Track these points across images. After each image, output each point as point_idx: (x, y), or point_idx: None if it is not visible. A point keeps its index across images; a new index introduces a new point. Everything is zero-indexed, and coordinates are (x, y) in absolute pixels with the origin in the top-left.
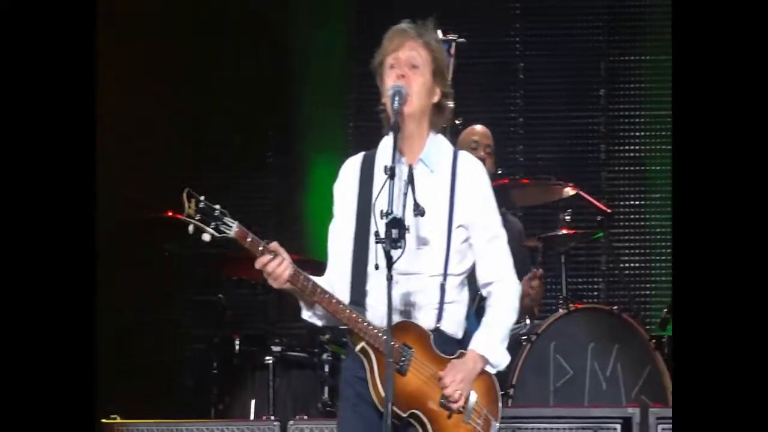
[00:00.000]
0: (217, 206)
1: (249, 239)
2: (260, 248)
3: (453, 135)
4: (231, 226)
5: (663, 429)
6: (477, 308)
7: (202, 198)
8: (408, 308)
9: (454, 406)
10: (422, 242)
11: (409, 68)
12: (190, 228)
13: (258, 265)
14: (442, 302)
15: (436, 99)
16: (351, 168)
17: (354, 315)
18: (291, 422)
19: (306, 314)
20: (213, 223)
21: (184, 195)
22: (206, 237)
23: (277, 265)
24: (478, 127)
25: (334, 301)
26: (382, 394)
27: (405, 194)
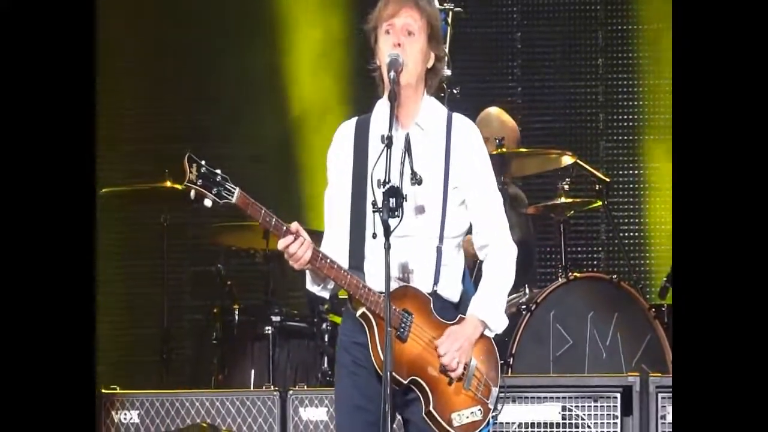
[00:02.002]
0: (219, 171)
1: (250, 206)
2: (283, 228)
3: (451, 103)
4: (233, 192)
5: (663, 397)
6: (476, 272)
7: (203, 163)
8: (405, 272)
9: (453, 374)
10: (419, 208)
11: (405, 35)
12: (192, 194)
13: (280, 246)
14: (438, 265)
15: (430, 64)
16: (345, 134)
17: (355, 281)
18: (291, 391)
19: (314, 288)
20: (215, 189)
21: (185, 160)
22: (207, 203)
23: (299, 246)
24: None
25: (335, 267)
26: (383, 359)
27: (402, 163)
